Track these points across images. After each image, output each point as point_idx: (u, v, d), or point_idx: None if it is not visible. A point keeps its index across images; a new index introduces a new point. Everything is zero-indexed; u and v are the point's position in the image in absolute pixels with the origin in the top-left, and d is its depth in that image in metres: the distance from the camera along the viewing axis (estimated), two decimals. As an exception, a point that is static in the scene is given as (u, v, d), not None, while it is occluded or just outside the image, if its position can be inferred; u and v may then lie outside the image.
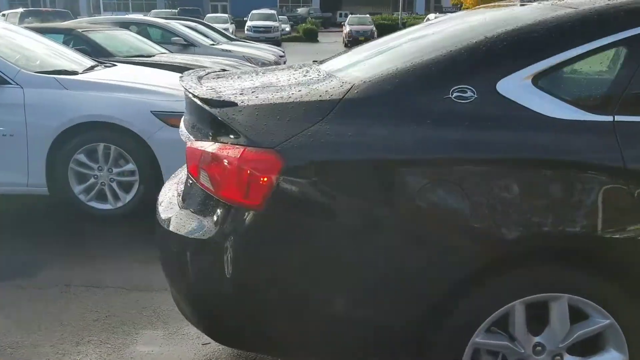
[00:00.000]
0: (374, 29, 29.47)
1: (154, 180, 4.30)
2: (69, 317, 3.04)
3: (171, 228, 2.07)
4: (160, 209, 2.27)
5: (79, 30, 7.45)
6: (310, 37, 32.55)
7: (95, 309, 3.13)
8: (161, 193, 2.49)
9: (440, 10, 41.30)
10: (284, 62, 12.53)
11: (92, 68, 5.05)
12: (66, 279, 3.45)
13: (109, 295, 3.29)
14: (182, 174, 2.63)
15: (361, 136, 1.80)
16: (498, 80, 1.84)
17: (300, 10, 49.26)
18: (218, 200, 1.92)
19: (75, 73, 4.67)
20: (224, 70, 2.86)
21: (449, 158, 1.78)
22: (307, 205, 1.82)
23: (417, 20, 34.54)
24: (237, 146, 1.85)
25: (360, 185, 1.80)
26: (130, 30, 9.36)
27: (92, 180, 4.35)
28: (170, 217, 2.12)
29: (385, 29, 31.22)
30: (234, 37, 15.25)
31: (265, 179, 1.80)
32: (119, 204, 4.37)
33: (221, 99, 1.97)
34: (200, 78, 2.39)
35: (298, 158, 1.80)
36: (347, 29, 29.50)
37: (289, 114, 1.87)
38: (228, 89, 2.18)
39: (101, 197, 4.38)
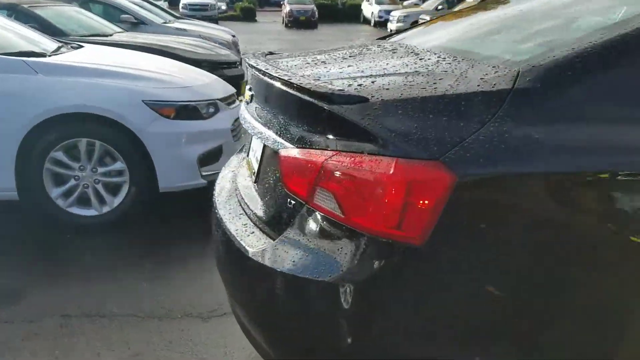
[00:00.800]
0: (315, 8, 28.76)
1: (147, 181, 3.70)
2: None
3: (267, 262, 1.56)
4: (235, 232, 1.74)
5: (24, 5, 6.53)
6: (248, 16, 31.49)
7: (109, 345, 2.55)
8: (220, 207, 1.94)
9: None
10: (238, 42, 11.82)
11: (58, 49, 4.32)
12: (62, 308, 2.83)
13: (120, 325, 2.71)
14: (232, 180, 2.10)
15: (561, 140, 1.35)
16: None
17: (235, -11, 47.71)
18: (348, 229, 1.42)
19: (43, 55, 3.93)
20: (271, 53, 2.32)
21: None
22: (494, 239, 1.35)
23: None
24: (382, 157, 1.36)
25: (571, 208, 1.36)
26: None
27: (72, 182, 3.68)
28: (263, 249, 1.60)
29: (325, 9, 30.71)
30: (179, 15, 14.32)
31: (427, 202, 1.33)
32: (106, 209, 3.72)
33: (345, 93, 1.46)
34: (270, 61, 1.87)
35: (474, 172, 1.32)
36: (287, 8, 28.61)
37: (445, 112, 1.39)
38: (332, 77, 1.67)
39: (83, 201, 3.72)
